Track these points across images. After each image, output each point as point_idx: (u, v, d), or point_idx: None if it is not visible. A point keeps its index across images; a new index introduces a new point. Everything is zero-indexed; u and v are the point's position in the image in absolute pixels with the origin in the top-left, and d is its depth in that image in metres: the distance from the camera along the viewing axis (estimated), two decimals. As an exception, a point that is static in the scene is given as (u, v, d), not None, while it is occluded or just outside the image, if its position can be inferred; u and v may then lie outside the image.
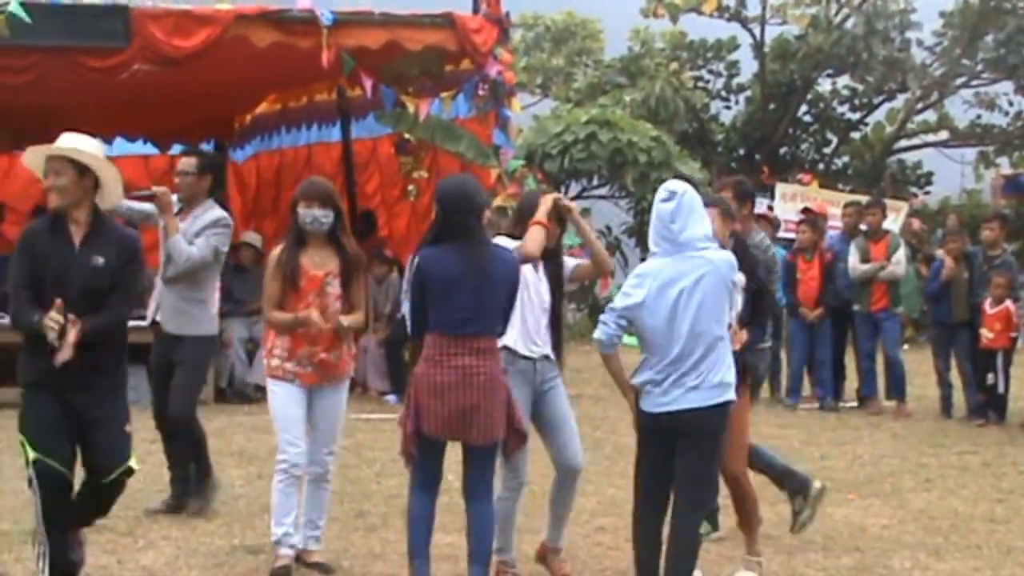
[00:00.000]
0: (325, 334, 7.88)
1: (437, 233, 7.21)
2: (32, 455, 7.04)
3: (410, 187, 16.19)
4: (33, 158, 7.39)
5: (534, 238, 7.52)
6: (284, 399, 7.86)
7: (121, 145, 19.91)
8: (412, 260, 7.21)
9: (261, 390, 14.97)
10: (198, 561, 8.06)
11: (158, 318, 9.58)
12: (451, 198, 7.25)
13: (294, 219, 7.94)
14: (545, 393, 7.73)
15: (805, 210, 18.20)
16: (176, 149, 20.23)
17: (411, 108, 15.10)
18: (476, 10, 15.49)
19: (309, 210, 7.87)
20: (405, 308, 7.37)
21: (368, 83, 14.91)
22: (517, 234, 7.68)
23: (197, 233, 9.59)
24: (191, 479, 9.48)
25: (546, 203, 7.67)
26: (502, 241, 7.58)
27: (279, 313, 7.88)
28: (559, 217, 7.80)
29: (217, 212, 9.81)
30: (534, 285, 7.69)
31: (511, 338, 7.51)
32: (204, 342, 9.60)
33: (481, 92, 15.47)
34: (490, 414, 7.07)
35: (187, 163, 10.08)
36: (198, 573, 7.81)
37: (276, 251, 8.02)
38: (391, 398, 15.08)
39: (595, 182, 25.52)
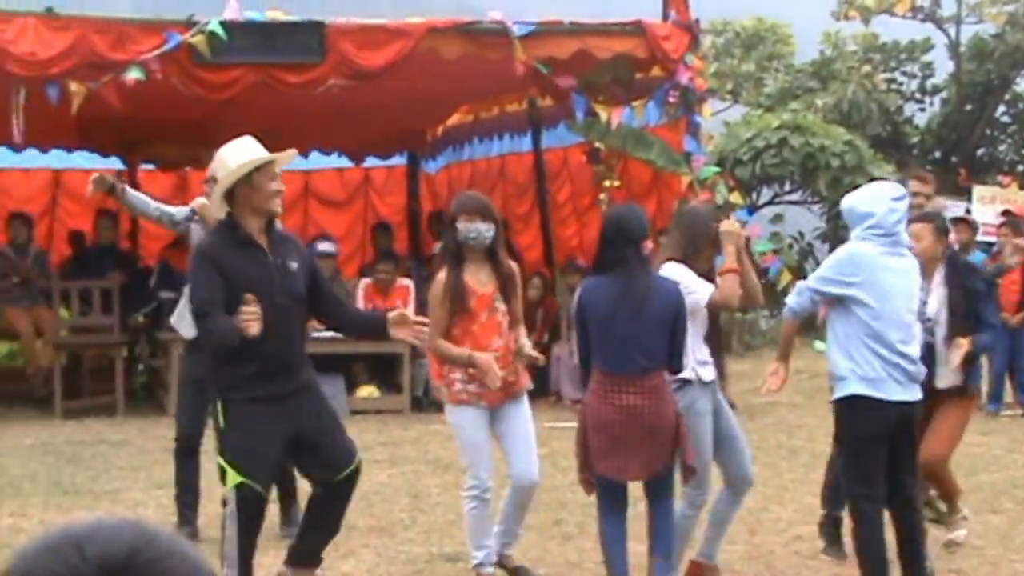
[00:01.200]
0: (503, 351, 7.75)
1: (598, 262, 7.27)
2: (236, 479, 6.85)
3: (601, 196, 16.19)
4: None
5: (730, 287, 7.45)
6: (471, 424, 7.74)
7: (316, 159, 20.24)
8: (578, 290, 7.26)
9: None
10: (397, 569, 8.16)
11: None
12: (609, 227, 7.31)
13: (452, 235, 7.77)
14: (717, 411, 7.68)
15: (1005, 212, 17.82)
16: (370, 162, 20.57)
17: (603, 116, 15.12)
18: (666, 17, 15.47)
19: (472, 224, 7.68)
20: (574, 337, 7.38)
21: (567, 82, 14.95)
22: (682, 256, 7.60)
23: None
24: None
25: (734, 241, 7.58)
26: (673, 269, 7.53)
27: (451, 346, 7.68)
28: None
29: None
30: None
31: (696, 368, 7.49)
32: None
33: (672, 99, 15.43)
34: (654, 452, 7.07)
35: None
36: (398, 581, 7.91)
37: (441, 276, 7.75)
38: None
39: (787, 187, 25.33)
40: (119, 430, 13.29)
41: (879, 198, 7.19)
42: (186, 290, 8.54)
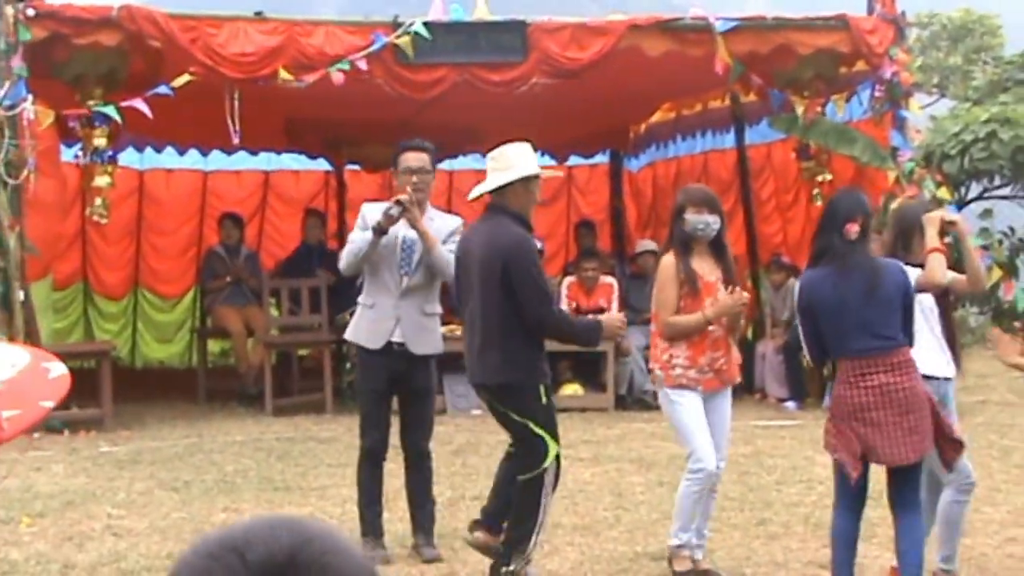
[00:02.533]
0: (721, 340, 7.90)
1: (814, 251, 7.24)
2: (555, 449, 7.59)
3: (815, 191, 16.00)
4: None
5: (935, 267, 7.34)
6: (690, 408, 7.81)
7: (520, 157, 20.34)
8: (798, 285, 7.24)
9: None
10: (602, 567, 8.18)
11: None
12: (823, 215, 7.30)
13: (679, 225, 7.90)
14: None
15: None
16: (573, 160, 20.64)
17: (800, 110, 15.00)
18: (871, 11, 15.27)
19: (700, 216, 7.83)
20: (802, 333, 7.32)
21: (758, 82, 14.89)
22: (895, 251, 7.52)
23: (444, 241, 8.76)
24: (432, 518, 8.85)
25: (934, 224, 7.45)
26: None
27: (683, 317, 7.83)
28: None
29: (456, 218, 9.30)
30: None
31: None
32: (436, 362, 8.88)
33: (877, 94, 15.23)
34: (915, 429, 6.91)
35: (421, 159, 9.07)
36: (603, 579, 7.93)
37: (669, 258, 7.93)
38: (790, 404, 14.97)
39: (996, 182, 24.74)
40: (327, 427, 13.52)
41: None
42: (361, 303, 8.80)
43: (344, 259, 8.57)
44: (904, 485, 7.09)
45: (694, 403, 7.81)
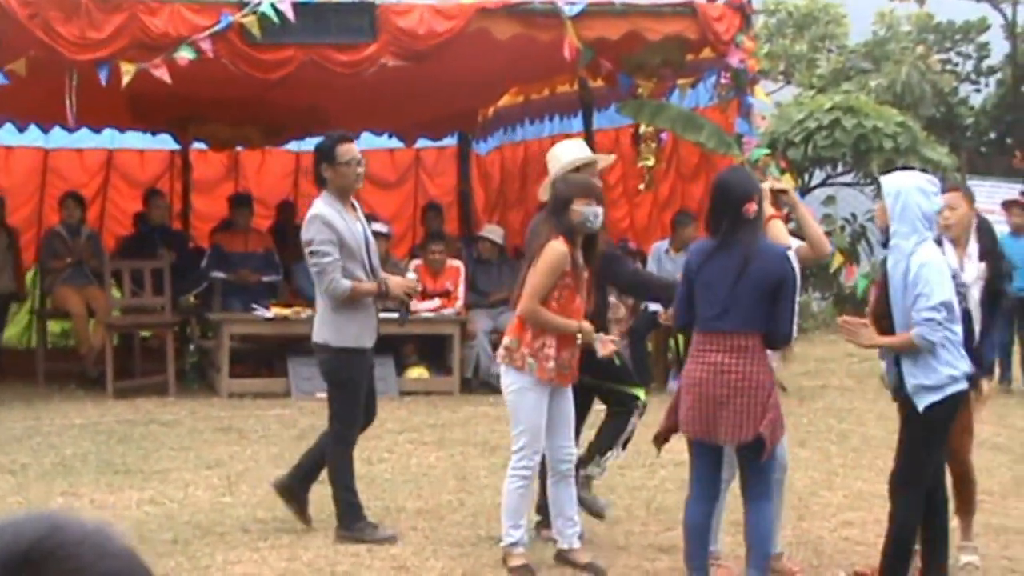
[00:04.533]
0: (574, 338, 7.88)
1: (707, 226, 7.30)
2: (641, 395, 8.60)
3: (646, 178, 16.12)
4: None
5: (779, 233, 7.49)
6: (537, 405, 7.74)
7: (367, 139, 20.27)
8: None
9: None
10: (445, 551, 8.16)
11: None
12: (712, 193, 7.29)
13: (566, 216, 7.73)
14: None
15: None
16: (421, 143, 20.59)
17: (645, 94, 15.12)
18: (718, -2, 15.39)
19: (591, 207, 7.71)
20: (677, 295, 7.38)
21: (607, 67, 14.96)
22: None
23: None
24: None
25: (764, 195, 7.53)
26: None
27: (553, 315, 7.71)
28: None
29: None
30: None
31: None
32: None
33: (723, 80, 15.36)
34: (740, 412, 6.92)
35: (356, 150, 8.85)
36: (444, 563, 7.90)
37: (561, 246, 7.70)
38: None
39: (839, 169, 25.15)
40: (170, 410, 13.36)
41: (933, 192, 7.17)
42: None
43: (337, 289, 8.44)
44: (751, 472, 7.13)
45: (541, 400, 7.76)
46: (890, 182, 7.19)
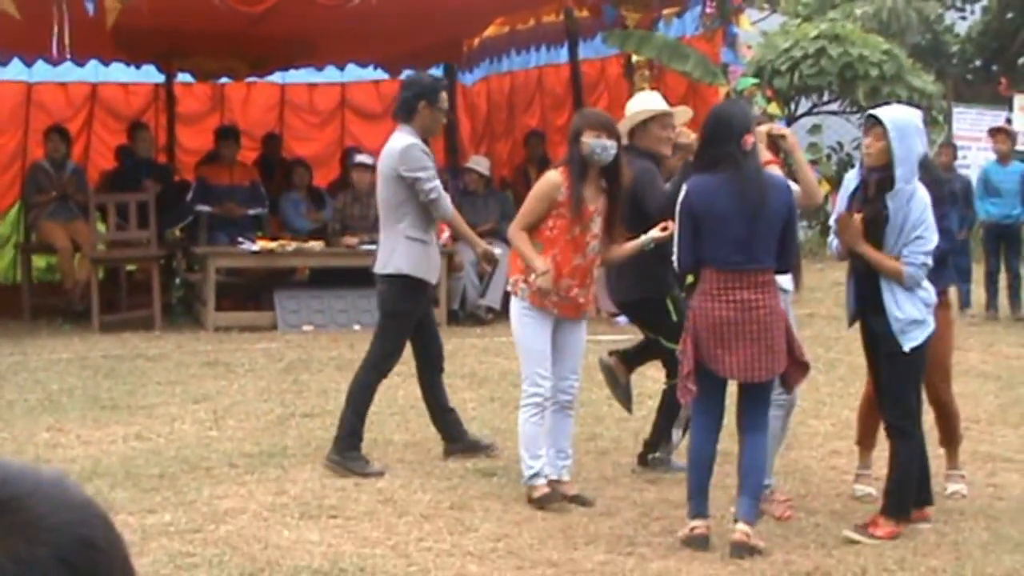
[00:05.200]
0: (580, 270, 7.81)
1: (701, 159, 7.19)
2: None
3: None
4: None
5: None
6: (536, 333, 7.78)
7: (353, 71, 20.18)
8: (682, 190, 7.16)
9: (492, 312, 15.14)
10: (432, 484, 8.17)
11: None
12: (711, 123, 7.22)
13: (576, 148, 7.71)
14: None
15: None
16: (406, 74, 20.45)
17: (631, 25, 15.05)
18: (703, -73, 15.30)
19: (599, 140, 7.66)
20: (676, 239, 7.23)
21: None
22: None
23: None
24: None
25: (762, 139, 7.51)
26: None
27: (528, 246, 7.73)
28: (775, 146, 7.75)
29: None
30: None
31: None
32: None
33: (709, 10, 15.29)
34: (772, 348, 6.95)
35: None
36: (432, 496, 7.90)
37: (555, 176, 7.78)
38: (621, 319, 15.05)
39: (825, 98, 25.09)
40: (156, 344, 13.33)
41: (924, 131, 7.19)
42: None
43: (448, 212, 9.04)
44: (754, 405, 7.16)
45: (542, 327, 7.77)
46: (895, 122, 7.04)
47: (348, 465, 8.36)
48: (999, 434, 9.68)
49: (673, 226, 7.29)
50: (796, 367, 7.12)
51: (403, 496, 7.91)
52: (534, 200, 7.83)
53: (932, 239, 6.96)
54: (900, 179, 6.98)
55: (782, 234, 7.00)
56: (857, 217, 7.11)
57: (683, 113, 8.97)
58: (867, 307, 7.15)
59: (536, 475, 7.79)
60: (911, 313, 6.98)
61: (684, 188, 7.13)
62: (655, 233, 7.67)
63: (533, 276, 7.67)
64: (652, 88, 16.45)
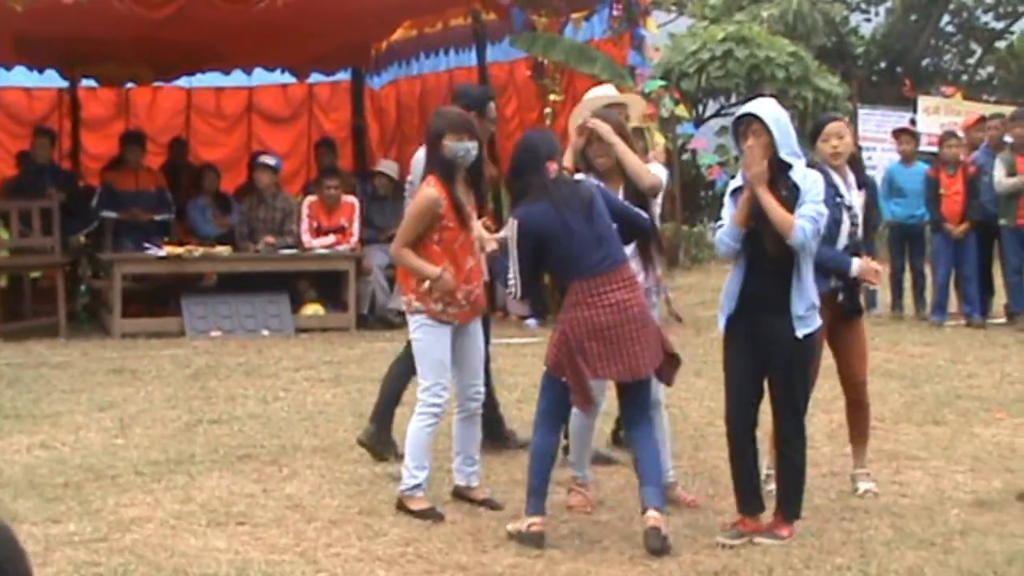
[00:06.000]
0: (476, 270, 7.78)
1: (519, 188, 7.23)
2: None
3: (547, 110, 16.11)
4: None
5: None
6: (437, 343, 7.66)
7: (260, 75, 20.07)
8: (511, 220, 7.14)
9: (402, 315, 15.10)
10: (341, 489, 8.12)
11: None
12: (516, 154, 7.33)
13: (439, 152, 7.64)
14: None
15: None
16: (314, 78, 20.38)
17: (539, 28, 15.09)
18: (609, -70, 15.35)
19: (461, 143, 7.61)
20: (512, 268, 7.16)
21: (503, 1, 14.90)
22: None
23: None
24: None
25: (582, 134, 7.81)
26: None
27: (417, 260, 7.61)
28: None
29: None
30: None
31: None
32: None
33: (615, 13, 15.35)
34: (650, 343, 7.05)
35: None
36: (341, 501, 7.86)
37: (429, 191, 7.59)
38: (531, 322, 15.09)
39: (733, 100, 25.27)
40: (61, 352, 13.20)
41: None
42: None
43: None
44: (638, 402, 7.23)
45: (441, 338, 7.67)
46: (767, 112, 7.08)
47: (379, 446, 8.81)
48: (904, 432, 9.77)
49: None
50: (668, 360, 7.20)
51: (312, 502, 7.85)
52: (415, 218, 7.63)
53: (820, 200, 6.99)
54: (792, 159, 7.03)
55: (616, 218, 7.14)
56: (764, 162, 7.01)
57: (634, 101, 9.07)
58: (759, 305, 7.08)
59: (417, 486, 7.66)
60: (811, 298, 7.03)
61: (514, 221, 7.10)
62: (480, 231, 7.79)
63: (427, 284, 7.59)
64: (562, 91, 16.53)
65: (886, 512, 7.65)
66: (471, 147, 7.65)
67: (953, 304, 15.92)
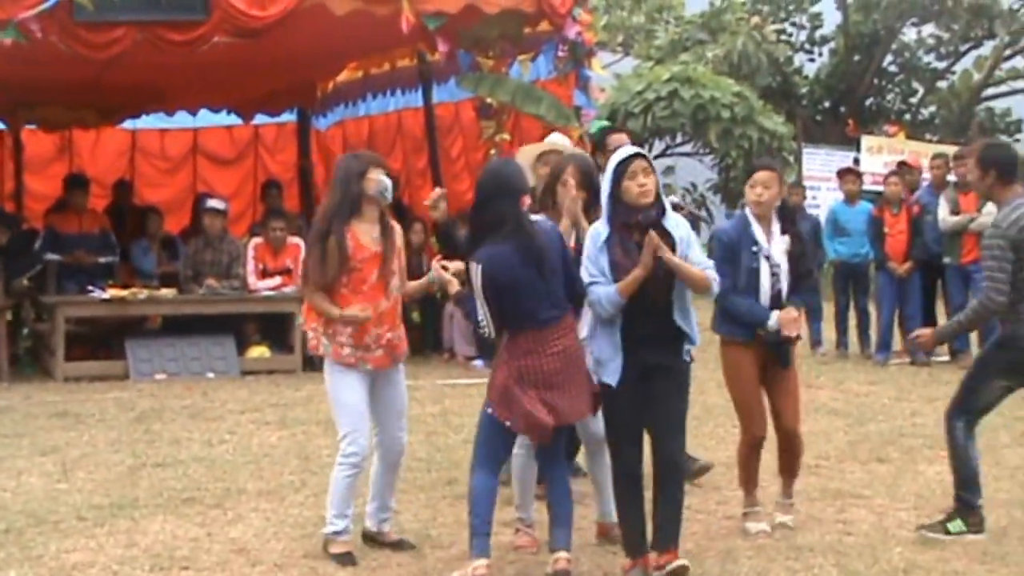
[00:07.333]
0: (389, 314, 7.61)
1: (479, 220, 7.12)
2: None
3: (492, 151, 16.14)
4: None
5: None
6: (351, 389, 7.55)
7: (205, 116, 20.05)
8: (474, 263, 7.00)
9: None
10: (286, 533, 8.07)
11: None
12: (487, 182, 7.21)
13: (352, 191, 7.48)
14: None
15: (900, 164, 17.98)
16: (259, 119, 20.37)
17: (485, 70, 15.15)
18: (554, -28, 15.39)
19: (384, 179, 7.54)
20: (482, 309, 7.08)
21: (443, 47, 14.93)
22: (544, 207, 7.80)
23: None
24: None
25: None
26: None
27: (322, 302, 7.50)
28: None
29: None
30: None
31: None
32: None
33: (561, 53, 15.41)
34: (587, 387, 7.10)
35: None
36: (286, 544, 7.81)
37: (322, 227, 7.49)
38: (478, 363, 15.06)
39: (678, 139, 25.41)
40: (3, 396, 13.09)
41: None
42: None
43: None
44: (555, 443, 7.23)
45: (357, 383, 7.56)
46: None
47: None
48: (848, 470, 9.80)
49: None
50: (593, 399, 7.21)
51: (256, 545, 7.80)
52: (317, 258, 7.49)
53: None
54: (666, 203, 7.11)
55: (564, 273, 7.10)
56: (653, 233, 6.99)
57: (563, 142, 9.07)
58: (652, 342, 7.10)
59: (340, 532, 7.60)
60: (693, 332, 7.12)
61: (477, 266, 7.00)
62: (441, 273, 7.59)
63: (344, 318, 7.47)
64: (507, 132, 16.56)
65: (830, 551, 7.66)
66: (391, 184, 7.62)
67: (897, 342, 16.00)
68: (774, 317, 7.82)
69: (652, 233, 6.88)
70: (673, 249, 6.96)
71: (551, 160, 8.32)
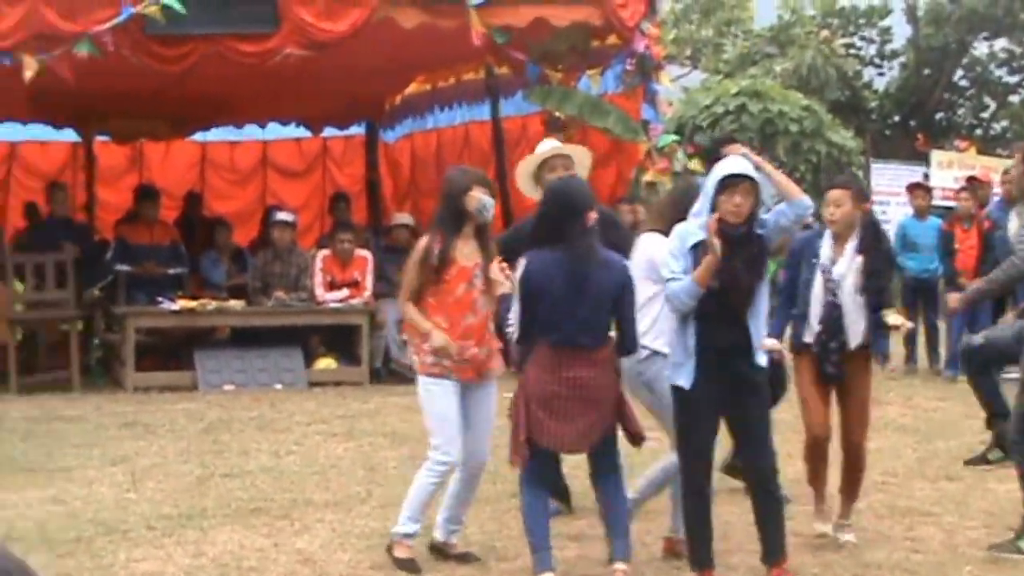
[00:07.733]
0: (475, 329, 7.63)
1: (538, 234, 7.16)
2: None
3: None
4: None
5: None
6: (440, 398, 7.59)
7: (274, 129, 20.18)
8: (522, 261, 7.11)
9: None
10: (352, 544, 8.10)
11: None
12: (552, 199, 7.25)
13: (454, 206, 7.61)
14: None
15: (970, 179, 17.84)
16: (328, 131, 20.49)
17: (553, 83, 15.16)
18: (623, -16, 15.38)
19: (487, 197, 7.62)
20: (515, 310, 7.17)
21: (518, 55, 14.96)
22: (666, 226, 7.46)
23: None
24: None
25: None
26: (653, 239, 7.58)
27: (419, 315, 7.62)
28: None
29: None
30: None
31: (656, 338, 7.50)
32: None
33: (629, 67, 15.40)
34: (594, 423, 7.09)
35: None
36: (352, 555, 7.84)
37: (425, 240, 7.66)
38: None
39: (747, 154, 25.28)
40: (74, 406, 13.20)
41: None
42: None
43: None
44: (602, 456, 7.25)
45: (446, 392, 7.59)
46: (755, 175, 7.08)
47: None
48: (917, 488, 9.73)
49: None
50: (629, 438, 7.23)
51: (323, 557, 7.83)
52: (409, 270, 7.71)
53: None
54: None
55: (616, 313, 7.08)
56: (715, 215, 6.92)
57: (584, 154, 8.74)
58: (727, 351, 7.05)
59: (411, 535, 7.67)
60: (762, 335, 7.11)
61: (523, 263, 7.10)
62: (496, 273, 7.57)
63: (428, 343, 7.58)
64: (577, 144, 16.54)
65: (899, 568, 7.61)
66: (491, 203, 7.68)
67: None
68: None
69: (713, 215, 6.86)
70: (764, 257, 7.00)
71: (557, 165, 8.30)
